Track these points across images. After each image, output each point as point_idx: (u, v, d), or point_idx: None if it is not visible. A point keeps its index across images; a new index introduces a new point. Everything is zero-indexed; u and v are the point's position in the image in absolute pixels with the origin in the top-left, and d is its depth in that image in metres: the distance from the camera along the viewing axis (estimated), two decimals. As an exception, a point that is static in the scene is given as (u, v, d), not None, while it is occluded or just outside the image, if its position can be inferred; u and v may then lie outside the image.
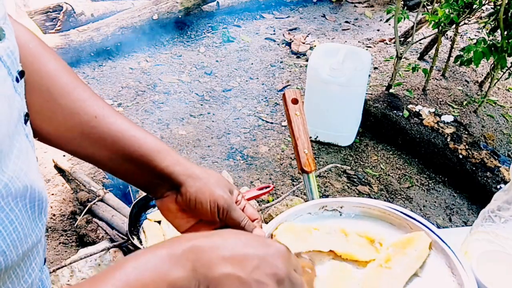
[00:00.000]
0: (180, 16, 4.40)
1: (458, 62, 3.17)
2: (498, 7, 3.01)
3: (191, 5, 4.44)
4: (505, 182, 2.66)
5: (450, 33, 4.12)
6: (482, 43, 2.93)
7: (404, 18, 3.10)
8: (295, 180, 2.87)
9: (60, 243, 2.39)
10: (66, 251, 2.34)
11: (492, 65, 3.23)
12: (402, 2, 4.68)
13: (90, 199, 2.41)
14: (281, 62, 4.11)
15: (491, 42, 2.96)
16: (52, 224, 2.47)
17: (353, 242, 0.81)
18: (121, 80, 3.78)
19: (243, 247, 0.52)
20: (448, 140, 2.94)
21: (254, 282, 0.50)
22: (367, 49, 4.18)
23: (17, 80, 0.53)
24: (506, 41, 2.90)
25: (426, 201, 2.81)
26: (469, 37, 4.39)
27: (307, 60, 3.93)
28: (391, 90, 3.43)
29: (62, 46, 3.70)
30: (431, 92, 3.61)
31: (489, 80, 3.37)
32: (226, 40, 4.40)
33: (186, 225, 0.72)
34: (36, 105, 0.64)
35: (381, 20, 4.85)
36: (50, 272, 1.87)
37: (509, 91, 3.78)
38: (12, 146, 0.50)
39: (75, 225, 2.37)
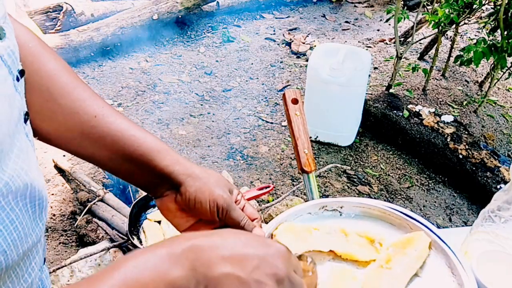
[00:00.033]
0: (180, 16, 4.41)
1: (458, 62, 3.17)
2: (498, 7, 3.01)
3: (191, 5, 4.44)
4: (505, 182, 2.66)
5: (450, 33, 4.12)
6: (482, 43, 2.93)
7: (404, 18, 3.10)
8: (295, 180, 2.87)
9: (60, 243, 2.39)
10: (66, 251, 2.34)
11: (492, 65, 3.23)
12: (402, 2, 4.68)
13: (90, 199, 2.41)
14: (281, 62, 4.11)
15: (491, 42, 2.96)
16: (52, 224, 2.47)
17: (353, 242, 0.81)
18: (121, 80, 3.78)
19: (243, 247, 0.52)
20: (448, 140, 2.94)
21: (253, 282, 0.49)
22: (367, 49, 4.18)
23: (18, 79, 0.54)
24: (506, 41, 2.90)
25: (426, 201, 2.81)
26: (469, 37, 4.39)
27: (307, 60, 3.93)
28: (391, 90, 3.43)
29: (62, 46, 3.70)
30: (431, 92, 3.61)
31: (489, 80, 3.37)
32: (226, 40, 4.40)
33: (185, 224, 0.72)
34: (36, 104, 0.64)
35: (381, 20, 4.85)
36: (50, 272, 1.87)
37: (509, 91, 3.78)
38: (13, 145, 0.50)
39: (75, 225, 2.37)
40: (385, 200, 2.72)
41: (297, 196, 2.57)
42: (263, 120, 3.40)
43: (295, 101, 0.96)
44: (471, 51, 2.96)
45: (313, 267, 0.59)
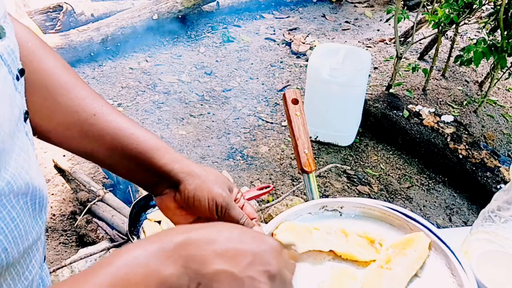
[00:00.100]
0: (180, 16, 4.41)
1: (458, 62, 3.17)
2: (498, 7, 3.01)
3: (191, 5, 4.44)
4: (505, 182, 2.66)
5: (450, 33, 4.12)
6: (482, 43, 2.93)
7: (404, 18, 3.10)
8: (295, 180, 2.87)
9: (60, 243, 2.39)
10: (66, 251, 2.34)
11: (492, 65, 3.23)
12: (402, 2, 4.68)
13: (90, 199, 2.41)
14: (281, 62, 4.11)
15: (491, 42, 2.96)
16: (52, 224, 2.47)
17: (353, 242, 0.81)
18: (121, 80, 3.78)
19: (237, 242, 0.51)
20: (448, 140, 2.94)
21: (247, 278, 0.49)
22: (367, 49, 4.18)
23: (17, 79, 0.54)
24: (506, 41, 2.90)
25: (426, 201, 2.81)
26: (469, 37, 4.39)
27: (307, 60, 3.93)
28: (391, 90, 3.43)
29: (62, 46, 3.70)
30: (431, 92, 3.61)
31: (489, 80, 3.37)
32: (226, 40, 4.40)
33: (184, 222, 0.72)
34: (35, 103, 0.64)
35: (381, 20, 4.85)
36: (50, 272, 1.87)
37: (509, 91, 3.78)
38: (14, 144, 0.50)
39: (75, 225, 2.37)
40: (385, 200, 2.72)
41: (297, 196, 2.57)
42: (263, 120, 3.40)
43: (295, 101, 0.96)
44: (471, 51, 2.96)
45: (297, 257, 0.58)
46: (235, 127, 3.32)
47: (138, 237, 1.82)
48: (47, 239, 2.39)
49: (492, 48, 2.93)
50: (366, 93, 3.23)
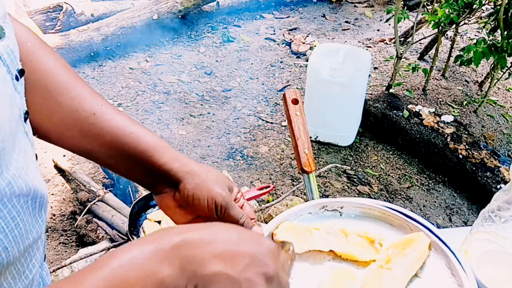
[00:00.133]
0: (180, 16, 4.41)
1: (458, 62, 3.17)
2: (498, 7, 3.01)
3: (191, 5, 4.44)
4: (505, 182, 2.66)
5: (450, 33, 4.12)
6: (482, 43, 2.93)
7: (404, 18, 3.10)
8: (295, 180, 2.87)
9: (60, 243, 2.39)
10: (66, 251, 2.34)
11: (492, 65, 3.23)
12: (402, 2, 4.68)
13: (90, 199, 2.41)
14: (281, 62, 4.11)
15: (491, 42, 2.96)
16: (52, 224, 2.47)
17: (353, 242, 0.81)
18: (121, 80, 3.78)
19: (235, 244, 0.51)
20: (448, 140, 2.94)
21: (244, 280, 0.48)
22: (367, 49, 4.18)
23: (17, 79, 0.54)
24: (506, 41, 2.90)
25: (426, 201, 2.81)
26: (469, 37, 4.39)
27: (307, 60, 3.93)
28: (391, 90, 3.43)
29: (62, 46, 3.70)
30: (431, 92, 3.61)
31: (489, 80, 3.37)
32: (226, 40, 4.40)
33: (184, 221, 0.72)
34: (35, 103, 0.64)
35: (381, 20, 4.85)
36: (50, 272, 1.87)
37: (509, 91, 3.78)
38: (15, 144, 0.50)
39: (75, 225, 2.37)
40: (385, 200, 2.72)
41: (297, 196, 2.57)
42: (263, 120, 3.40)
43: (295, 101, 0.96)
44: (471, 51, 2.96)
45: (293, 256, 0.57)
46: (235, 127, 3.32)
47: (138, 237, 1.82)
48: (47, 239, 2.39)
49: (492, 48, 2.93)
50: (366, 93, 3.23)
